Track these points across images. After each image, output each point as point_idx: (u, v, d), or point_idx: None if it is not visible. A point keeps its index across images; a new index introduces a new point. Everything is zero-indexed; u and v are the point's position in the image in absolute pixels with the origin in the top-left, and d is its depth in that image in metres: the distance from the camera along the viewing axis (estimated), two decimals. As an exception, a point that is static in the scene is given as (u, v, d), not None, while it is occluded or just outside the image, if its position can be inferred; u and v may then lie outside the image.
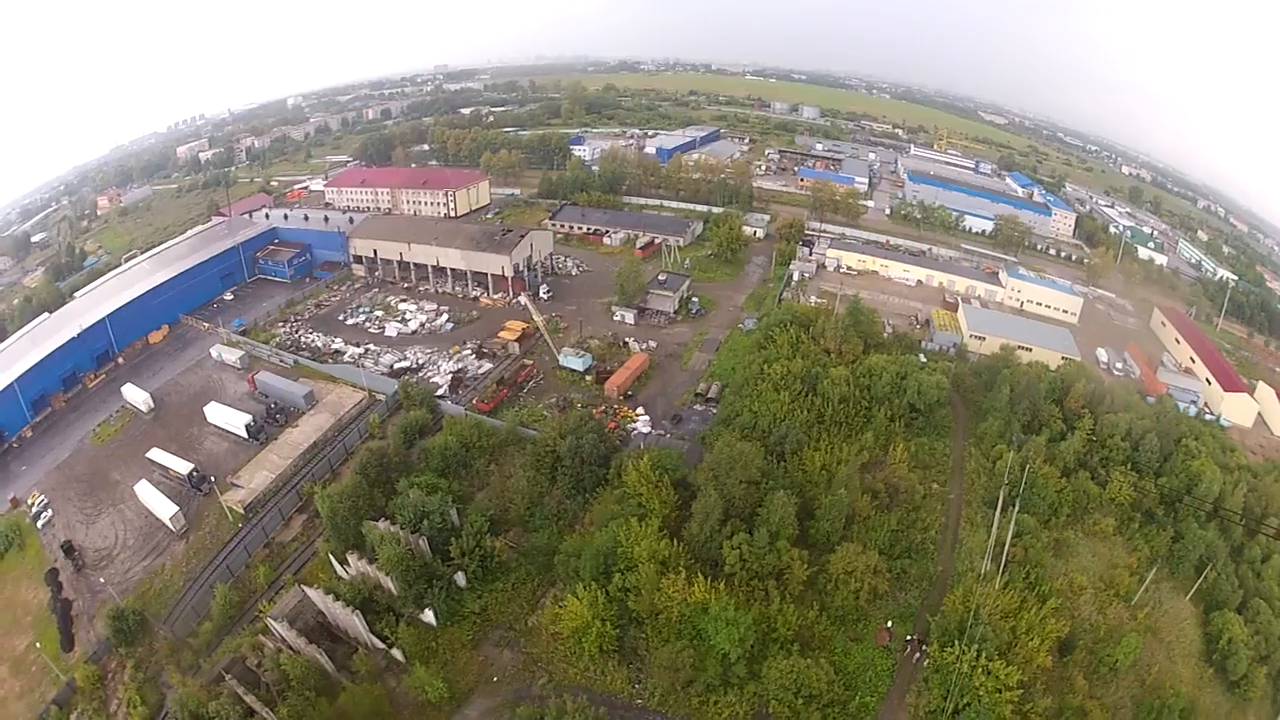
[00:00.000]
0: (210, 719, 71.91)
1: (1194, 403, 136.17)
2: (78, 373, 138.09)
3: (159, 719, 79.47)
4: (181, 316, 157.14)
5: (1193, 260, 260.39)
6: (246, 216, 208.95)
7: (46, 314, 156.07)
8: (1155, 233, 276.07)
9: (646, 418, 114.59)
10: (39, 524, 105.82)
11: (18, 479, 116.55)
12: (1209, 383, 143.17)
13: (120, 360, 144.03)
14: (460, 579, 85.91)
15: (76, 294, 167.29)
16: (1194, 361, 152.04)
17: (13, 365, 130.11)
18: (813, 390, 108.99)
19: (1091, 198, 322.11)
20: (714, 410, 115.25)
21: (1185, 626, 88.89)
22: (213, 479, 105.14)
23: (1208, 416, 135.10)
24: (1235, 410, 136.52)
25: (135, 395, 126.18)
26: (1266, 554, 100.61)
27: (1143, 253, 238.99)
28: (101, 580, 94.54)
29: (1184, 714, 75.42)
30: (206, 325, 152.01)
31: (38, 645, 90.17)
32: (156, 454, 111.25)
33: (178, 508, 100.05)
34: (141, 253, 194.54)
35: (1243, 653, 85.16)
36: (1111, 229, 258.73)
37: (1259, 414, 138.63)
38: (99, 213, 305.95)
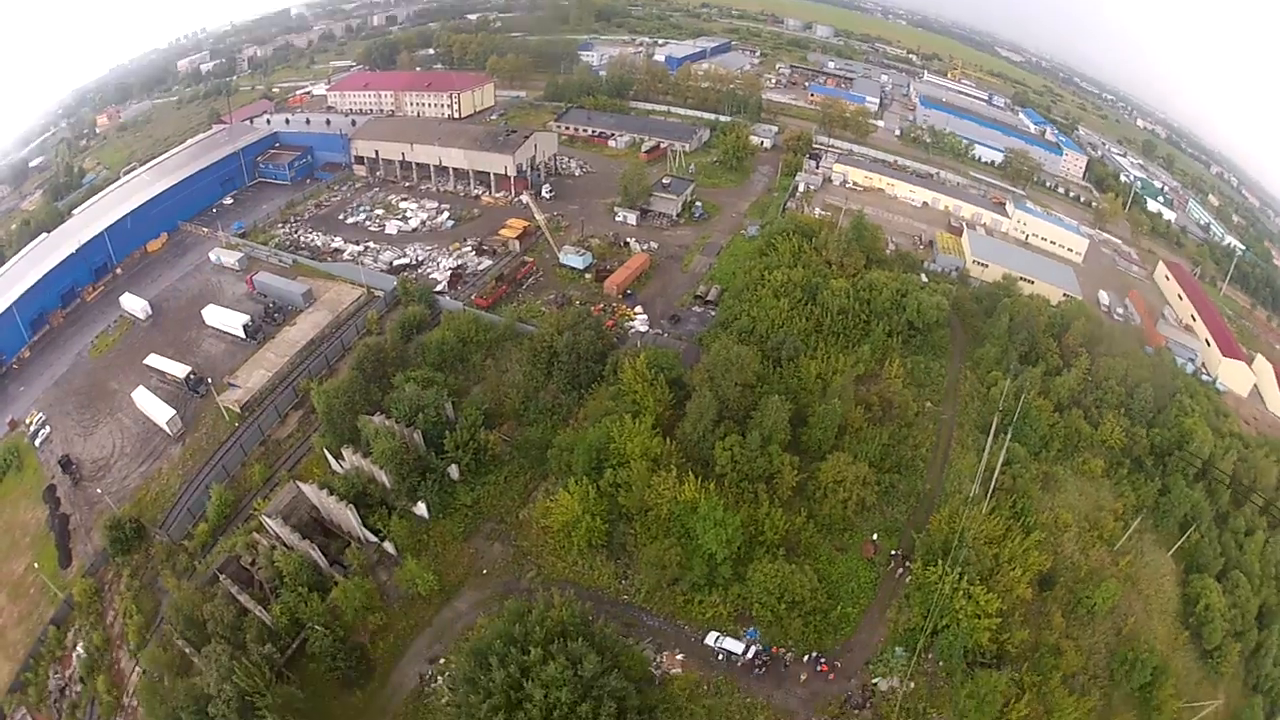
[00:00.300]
0: (204, 622, 72.55)
1: (1191, 361, 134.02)
2: (76, 288, 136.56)
3: (154, 626, 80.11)
4: (180, 223, 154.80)
5: (1201, 222, 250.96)
6: (247, 123, 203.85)
7: (45, 234, 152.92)
8: (1165, 188, 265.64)
9: (645, 317, 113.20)
10: (36, 442, 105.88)
11: (16, 400, 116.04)
12: (1208, 344, 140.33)
13: (119, 271, 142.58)
14: (454, 472, 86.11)
15: (75, 211, 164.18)
16: (1195, 320, 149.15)
17: (10, 288, 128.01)
18: (812, 300, 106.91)
19: (1104, 144, 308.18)
20: (713, 313, 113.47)
21: (1164, 583, 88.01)
22: (209, 380, 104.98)
23: (1204, 377, 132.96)
24: (1232, 377, 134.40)
25: (133, 304, 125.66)
26: (1250, 527, 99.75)
27: (1151, 205, 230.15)
28: (99, 490, 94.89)
29: (1157, 672, 74.71)
30: (205, 230, 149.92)
31: (35, 565, 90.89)
32: (154, 359, 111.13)
33: (174, 411, 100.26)
34: (140, 165, 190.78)
35: (1219, 622, 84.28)
36: (1122, 177, 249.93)
37: (1255, 386, 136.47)
38: (98, 130, 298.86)
